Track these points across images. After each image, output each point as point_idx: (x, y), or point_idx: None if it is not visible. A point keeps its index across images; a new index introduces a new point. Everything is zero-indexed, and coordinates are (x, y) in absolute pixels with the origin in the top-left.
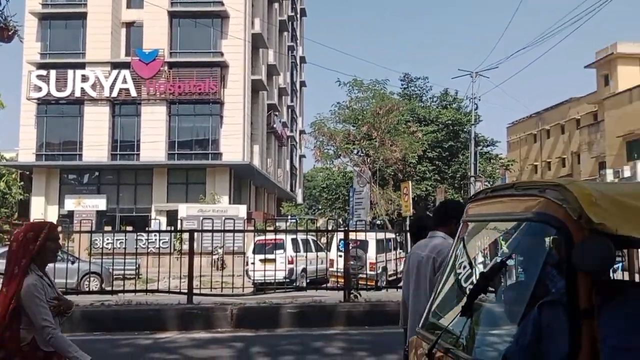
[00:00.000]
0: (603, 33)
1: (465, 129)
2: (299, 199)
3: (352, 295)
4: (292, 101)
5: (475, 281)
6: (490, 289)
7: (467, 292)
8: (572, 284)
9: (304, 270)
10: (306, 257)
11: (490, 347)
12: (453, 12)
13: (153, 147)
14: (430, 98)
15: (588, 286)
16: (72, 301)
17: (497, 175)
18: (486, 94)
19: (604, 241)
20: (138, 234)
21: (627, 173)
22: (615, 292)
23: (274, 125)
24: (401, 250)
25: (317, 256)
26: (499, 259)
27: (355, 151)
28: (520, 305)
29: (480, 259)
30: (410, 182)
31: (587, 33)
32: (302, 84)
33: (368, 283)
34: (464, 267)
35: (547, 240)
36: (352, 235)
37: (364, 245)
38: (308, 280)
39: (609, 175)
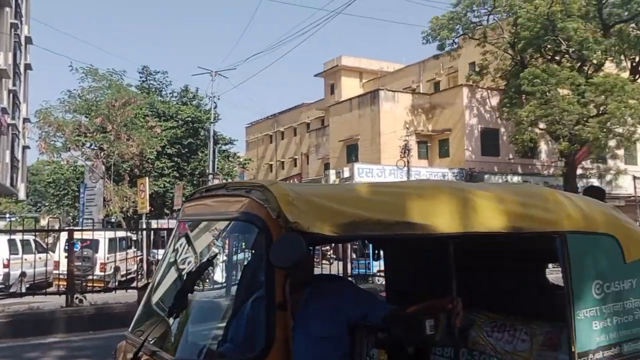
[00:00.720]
0: (331, 45)
1: (204, 127)
2: (21, 195)
3: (76, 300)
4: (14, 85)
5: (184, 280)
6: (199, 287)
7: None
8: (269, 279)
9: (23, 274)
10: (22, 259)
11: (196, 345)
12: (194, 13)
13: None
14: (170, 93)
15: (282, 281)
16: None
17: (235, 173)
18: (226, 94)
19: (296, 238)
20: None
21: (346, 173)
22: (319, 286)
23: None
24: (136, 249)
25: (39, 258)
26: (207, 258)
27: (87, 144)
28: (228, 302)
29: (196, 256)
30: (147, 178)
31: (318, 44)
32: (28, 66)
33: (97, 285)
34: (188, 263)
35: (253, 238)
36: (77, 235)
37: (94, 244)
38: (27, 285)
39: (332, 175)
